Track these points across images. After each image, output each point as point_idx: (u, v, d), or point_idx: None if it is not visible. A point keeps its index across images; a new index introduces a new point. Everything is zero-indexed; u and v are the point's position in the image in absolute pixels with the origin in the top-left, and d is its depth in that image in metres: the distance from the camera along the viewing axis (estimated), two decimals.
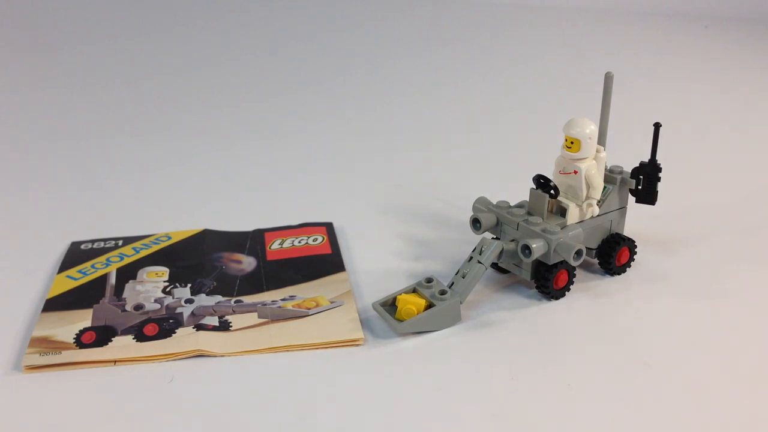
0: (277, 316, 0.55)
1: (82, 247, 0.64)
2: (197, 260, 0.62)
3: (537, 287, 0.57)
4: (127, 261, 0.62)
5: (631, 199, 0.62)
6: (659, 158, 0.60)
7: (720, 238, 0.67)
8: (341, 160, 0.84)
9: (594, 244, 0.60)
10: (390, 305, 0.55)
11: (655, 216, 0.67)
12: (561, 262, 0.56)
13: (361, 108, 1.00)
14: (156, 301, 0.56)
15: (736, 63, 1.20)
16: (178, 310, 0.55)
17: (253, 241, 0.65)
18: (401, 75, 1.13)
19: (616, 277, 0.60)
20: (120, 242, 0.65)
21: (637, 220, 0.65)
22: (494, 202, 0.60)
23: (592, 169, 0.57)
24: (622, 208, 0.61)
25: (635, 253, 0.61)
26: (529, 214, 0.58)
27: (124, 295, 0.57)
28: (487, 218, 0.58)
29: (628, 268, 0.61)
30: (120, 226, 0.68)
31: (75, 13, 1.38)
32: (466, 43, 1.29)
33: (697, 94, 1.05)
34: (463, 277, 0.55)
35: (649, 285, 0.60)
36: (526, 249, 0.54)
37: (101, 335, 0.52)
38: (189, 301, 0.56)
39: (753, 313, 0.56)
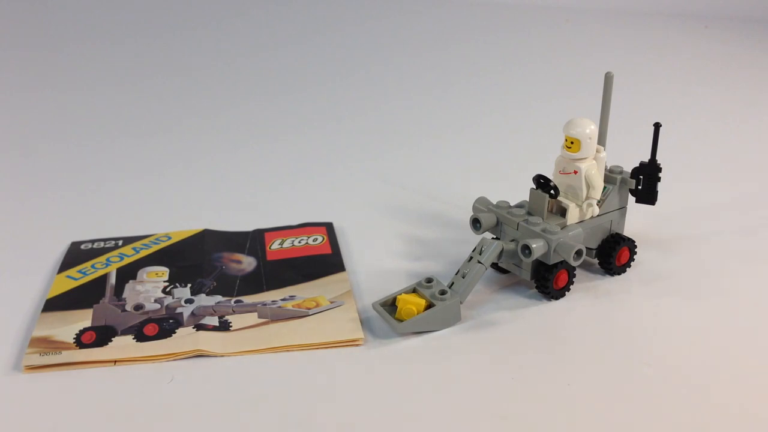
0: (277, 316, 0.55)
1: (82, 247, 0.64)
2: (197, 260, 0.62)
3: (537, 287, 0.57)
4: (127, 261, 0.62)
5: (631, 199, 0.62)
6: (659, 158, 0.60)
7: (720, 238, 0.67)
8: (341, 160, 0.84)
9: (594, 244, 0.60)
10: (390, 305, 0.55)
11: (655, 216, 0.67)
12: (561, 262, 0.56)
13: (361, 108, 1.00)
14: (156, 301, 0.56)
15: (736, 63, 1.20)
16: (178, 310, 0.55)
17: (253, 241, 0.65)
18: (401, 75, 1.13)
19: (616, 277, 0.60)
20: (120, 242, 0.65)
21: (637, 220, 0.65)
22: (494, 202, 0.60)
23: (592, 169, 0.57)
24: (622, 208, 0.61)
25: (635, 253, 0.61)
26: (529, 214, 0.58)
27: (124, 295, 0.57)
28: (487, 218, 0.58)
29: (628, 268, 0.61)
30: (120, 226, 0.68)
31: (75, 13, 1.38)
32: (465, 42, 1.29)
33: (697, 94, 1.05)
34: (463, 277, 0.55)
35: (649, 285, 0.60)
36: (526, 249, 0.54)
37: (101, 335, 0.52)
38: (189, 301, 0.56)
39: (753, 313, 0.56)
